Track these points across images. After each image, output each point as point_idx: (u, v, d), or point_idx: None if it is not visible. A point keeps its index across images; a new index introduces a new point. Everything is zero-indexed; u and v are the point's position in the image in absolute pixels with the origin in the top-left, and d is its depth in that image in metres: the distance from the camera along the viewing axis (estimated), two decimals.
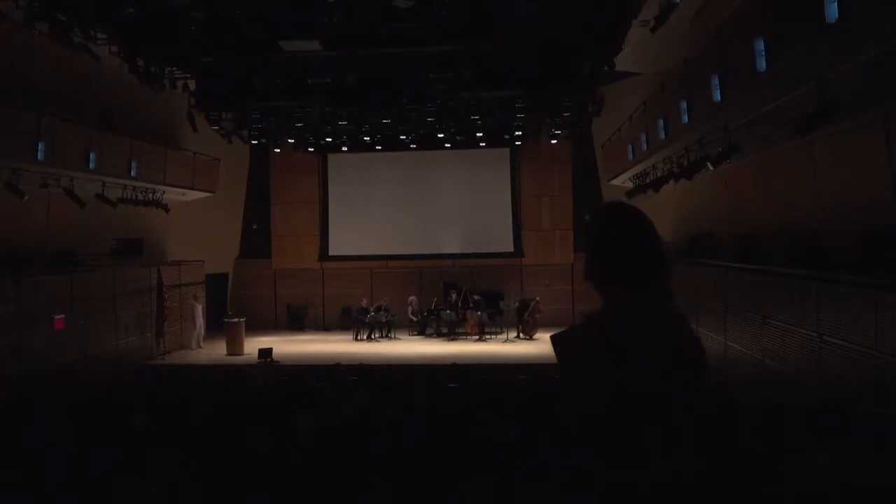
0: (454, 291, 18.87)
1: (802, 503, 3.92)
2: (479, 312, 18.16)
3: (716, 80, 9.04)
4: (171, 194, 17.14)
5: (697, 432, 1.83)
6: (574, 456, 1.88)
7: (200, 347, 17.54)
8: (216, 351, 17.05)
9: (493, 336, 18.30)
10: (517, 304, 18.62)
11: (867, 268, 6.97)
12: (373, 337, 18.63)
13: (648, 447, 1.79)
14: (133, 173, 14.81)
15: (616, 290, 1.99)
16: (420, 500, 4.49)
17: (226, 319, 17.44)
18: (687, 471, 1.79)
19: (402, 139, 18.48)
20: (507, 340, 17.78)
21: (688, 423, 1.83)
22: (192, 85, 14.24)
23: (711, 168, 10.56)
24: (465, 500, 4.28)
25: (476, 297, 18.51)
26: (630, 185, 16.09)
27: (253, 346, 16.33)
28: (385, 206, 21.31)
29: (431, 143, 18.83)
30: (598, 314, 1.98)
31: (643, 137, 13.64)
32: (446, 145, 18.91)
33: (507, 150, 20.82)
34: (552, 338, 1.98)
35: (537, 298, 18.41)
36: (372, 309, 18.91)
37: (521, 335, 18.12)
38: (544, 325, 18.43)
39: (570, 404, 1.94)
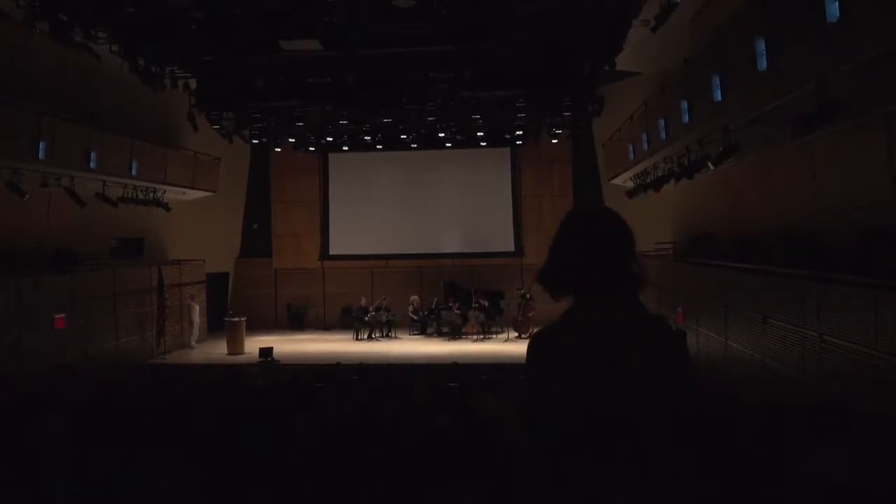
0: (453, 299, 18.79)
1: (802, 503, 3.92)
2: (476, 312, 18.15)
3: (716, 80, 9.04)
4: (172, 194, 17.15)
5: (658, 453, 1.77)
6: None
7: (192, 347, 17.57)
8: (217, 350, 17.06)
9: (493, 336, 18.29)
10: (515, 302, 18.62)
11: (867, 268, 6.96)
12: (373, 336, 18.63)
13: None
14: (133, 173, 14.81)
15: (574, 299, 1.94)
16: (419, 500, 4.49)
17: (226, 319, 17.45)
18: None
19: (403, 138, 18.46)
20: (507, 340, 17.78)
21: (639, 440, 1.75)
22: (192, 84, 14.24)
23: (712, 168, 10.56)
24: (463, 499, 4.28)
25: (483, 302, 18.42)
26: (631, 184, 16.09)
27: (253, 345, 16.32)
28: (385, 206, 21.31)
29: (432, 143, 18.84)
30: (563, 319, 1.96)
31: (644, 137, 13.63)
32: (447, 145, 18.92)
33: (507, 150, 20.81)
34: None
35: (527, 295, 18.31)
36: (372, 308, 18.91)
37: (522, 335, 18.10)
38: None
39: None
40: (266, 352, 15.50)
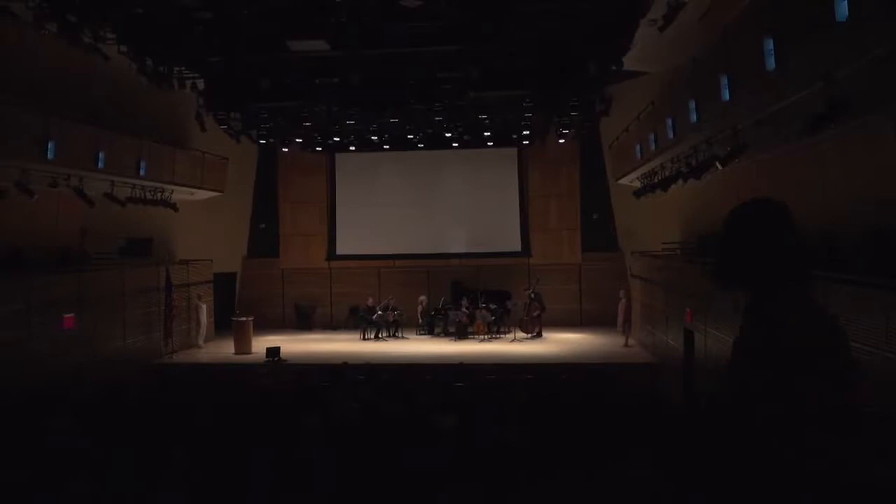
0: (466, 299, 18.74)
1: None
2: (483, 312, 18.13)
3: (724, 80, 9.00)
4: (180, 194, 17.20)
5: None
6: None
7: (200, 347, 17.65)
8: (224, 350, 17.12)
9: (500, 336, 18.27)
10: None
11: (876, 268, 6.92)
12: (380, 336, 18.64)
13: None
14: (142, 172, 14.87)
15: (768, 291, 2.00)
16: (420, 500, 4.49)
17: (234, 318, 17.51)
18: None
19: (410, 138, 18.48)
20: (514, 340, 17.75)
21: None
22: (200, 85, 14.26)
23: (720, 167, 10.51)
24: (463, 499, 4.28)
25: (492, 307, 18.38)
26: (638, 184, 16.03)
27: (261, 345, 16.39)
28: (392, 206, 21.32)
29: (439, 143, 18.85)
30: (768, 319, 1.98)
31: (651, 137, 13.58)
32: (454, 145, 18.91)
33: (514, 150, 20.78)
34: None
35: (532, 295, 18.24)
36: (379, 308, 18.90)
37: (528, 335, 18.06)
38: (549, 325, 18.40)
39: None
40: (273, 351, 15.54)
